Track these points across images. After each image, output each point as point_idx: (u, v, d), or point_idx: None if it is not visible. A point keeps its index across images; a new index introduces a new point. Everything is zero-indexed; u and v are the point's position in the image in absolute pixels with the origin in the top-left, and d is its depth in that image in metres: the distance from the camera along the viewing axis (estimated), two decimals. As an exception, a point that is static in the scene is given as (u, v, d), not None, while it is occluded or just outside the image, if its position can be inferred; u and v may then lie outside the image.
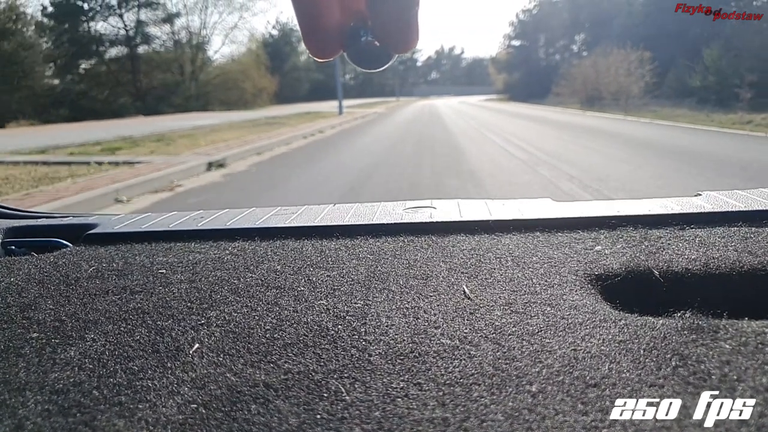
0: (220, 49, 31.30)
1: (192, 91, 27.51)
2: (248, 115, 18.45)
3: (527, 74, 39.45)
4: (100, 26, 28.49)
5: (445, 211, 0.64)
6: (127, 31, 27.00)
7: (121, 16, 26.76)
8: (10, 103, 19.06)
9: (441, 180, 4.81)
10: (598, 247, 0.52)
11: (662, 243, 0.51)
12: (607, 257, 0.49)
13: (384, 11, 0.27)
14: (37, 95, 21.05)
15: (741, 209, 0.58)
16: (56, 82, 23.73)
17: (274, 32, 38.66)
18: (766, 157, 6.17)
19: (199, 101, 27.20)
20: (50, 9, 25.00)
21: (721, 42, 19.76)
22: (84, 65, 26.13)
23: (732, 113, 13.21)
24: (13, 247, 0.64)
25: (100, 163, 5.95)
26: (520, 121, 14.18)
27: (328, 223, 0.61)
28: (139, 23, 27.27)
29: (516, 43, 42.67)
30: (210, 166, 5.86)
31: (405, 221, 0.61)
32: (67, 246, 0.63)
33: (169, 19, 27.85)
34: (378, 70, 0.31)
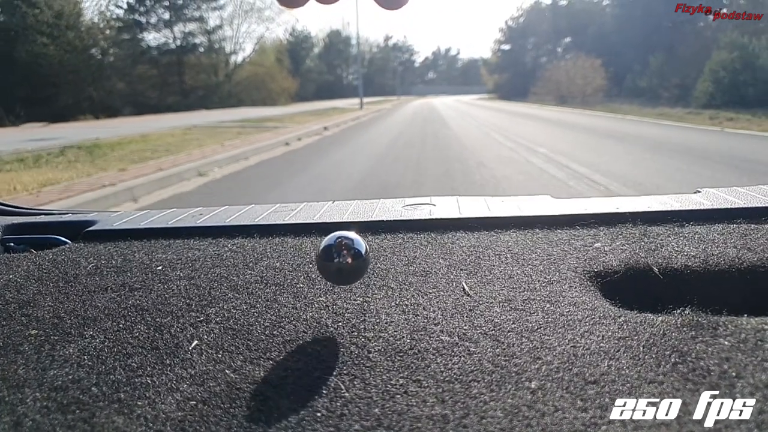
0: (250, 55, 36.73)
1: (226, 91, 32.63)
2: (288, 110, 21.78)
3: (514, 76, 42.89)
4: (153, 36, 33.94)
5: (445, 208, 0.64)
6: (175, 40, 32.62)
7: (171, 28, 32.41)
8: (105, 101, 24.87)
9: (439, 130, 10.69)
10: (598, 244, 0.51)
11: (662, 240, 0.51)
12: (606, 254, 0.48)
13: None
14: (121, 95, 26.91)
15: (740, 206, 0.57)
16: (121, 84, 29.40)
17: (291, 38, 44.32)
18: (621, 128, 10.89)
19: (231, 99, 31.88)
20: (113, 22, 30.63)
21: (667, 49, 23.53)
22: (140, 69, 31.65)
23: (659, 108, 17.69)
24: (12, 244, 0.64)
25: (275, 127, 11.56)
26: (493, 112, 20.58)
27: (327, 220, 0.61)
28: (185, 34, 32.90)
29: (505, 47, 46.00)
30: (324, 129, 11.68)
31: (404, 218, 0.61)
32: (65, 243, 0.63)
33: (212, 31, 33.50)
34: (349, 284, 0.33)
